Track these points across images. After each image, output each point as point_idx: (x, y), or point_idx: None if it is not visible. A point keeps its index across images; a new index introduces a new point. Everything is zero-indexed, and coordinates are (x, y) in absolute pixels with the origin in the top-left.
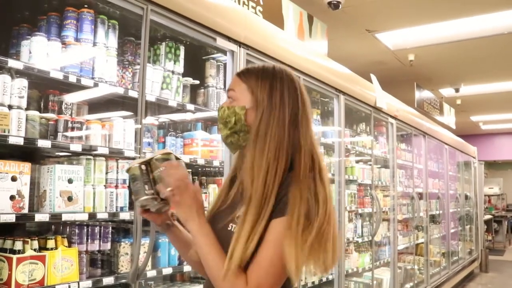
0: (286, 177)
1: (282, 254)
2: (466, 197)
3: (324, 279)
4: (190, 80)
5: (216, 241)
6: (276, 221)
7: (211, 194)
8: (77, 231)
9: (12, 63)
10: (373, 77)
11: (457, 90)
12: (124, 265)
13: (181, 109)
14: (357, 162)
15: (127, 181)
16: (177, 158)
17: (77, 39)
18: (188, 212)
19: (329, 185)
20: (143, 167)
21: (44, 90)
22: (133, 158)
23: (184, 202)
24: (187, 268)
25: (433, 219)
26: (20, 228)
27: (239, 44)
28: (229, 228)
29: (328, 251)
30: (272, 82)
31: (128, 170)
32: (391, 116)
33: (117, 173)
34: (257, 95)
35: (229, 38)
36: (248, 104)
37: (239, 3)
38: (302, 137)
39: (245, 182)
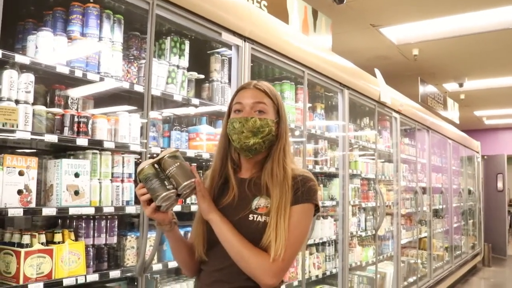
0: None
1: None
2: (469, 191)
3: (328, 273)
4: (195, 75)
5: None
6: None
7: None
8: (83, 225)
9: (18, 58)
10: (377, 71)
11: (461, 85)
12: (130, 259)
13: (186, 103)
14: (361, 156)
15: (133, 175)
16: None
17: (83, 34)
18: (211, 205)
19: None
20: (156, 166)
21: (50, 85)
22: (139, 153)
23: (207, 195)
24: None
25: (436, 213)
26: (28, 222)
27: (244, 38)
28: (250, 219)
29: None
30: (280, 98)
31: (141, 171)
32: (395, 111)
33: (123, 167)
34: (280, 112)
35: (234, 33)
36: (274, 118)
37: None
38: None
39: (273, 181)
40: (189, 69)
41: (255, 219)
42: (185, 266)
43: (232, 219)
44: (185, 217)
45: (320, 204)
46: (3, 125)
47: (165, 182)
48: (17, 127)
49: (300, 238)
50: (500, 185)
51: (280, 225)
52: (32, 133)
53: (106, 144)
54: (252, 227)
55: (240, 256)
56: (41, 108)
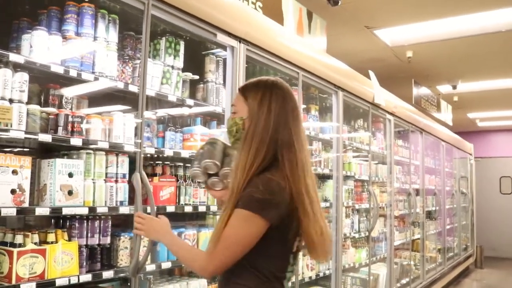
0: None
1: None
2: (462, 193)
3: (321, 274)
4: (189, 75)
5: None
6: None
7: None
8: (77, 225)
9: (13, 57)
10: (371, 73)
11: (454, 87)
12: (124, 259)
13: (180, 104)
14: (355, 158)
15: (127, 176)
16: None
17: (77, 34)
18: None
19: (305, 179)
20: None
21: (45, 84)
22: (133, 153)
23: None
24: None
25: (429, 215)
26: (21, 221)
27: (239, 39)
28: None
29: None
30: (263, 93)
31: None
32: (388, 113)
33: (117, 167)
34: (250, 106)
35: (229, 34)
36: (245, 115)
37: None
38: (293, 139)
39: (231, 176)
40: (184, 70)
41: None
42: None
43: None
44: (178, 217)
45: (268, 215)
46: None
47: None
48: (11, 126)
49: (229, 240)
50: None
51: (219, 223)
52: (26, 132)
53: (100, 144)
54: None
55: (182, 259)
56: (35, 108)
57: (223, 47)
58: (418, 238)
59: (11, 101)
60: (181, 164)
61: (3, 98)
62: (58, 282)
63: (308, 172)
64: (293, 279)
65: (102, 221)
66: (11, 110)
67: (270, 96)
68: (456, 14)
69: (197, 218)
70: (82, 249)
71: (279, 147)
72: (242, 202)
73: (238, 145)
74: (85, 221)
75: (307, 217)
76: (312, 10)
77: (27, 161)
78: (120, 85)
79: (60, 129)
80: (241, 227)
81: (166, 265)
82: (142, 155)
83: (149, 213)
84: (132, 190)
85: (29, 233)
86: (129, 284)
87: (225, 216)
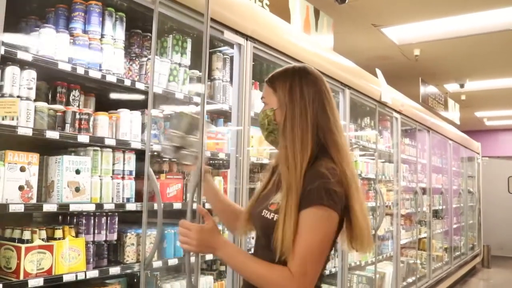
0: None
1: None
2: (469, 192)
3: (327, 272)
4: (196, 73)
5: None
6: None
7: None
8: (84, 221)
9: (21, 54)
10: (378, 71)
11: (462, 86)
12: (130, 256)
13: (187, 101)
14: (361, 156)
15: (133, 173)
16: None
17: (85, 31)
18: (219, 239)
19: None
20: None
21: (52, 81)
22: (140, 150)
23: (215, 227)
24: (193, 259)
25: (436, 214)
26: (28, 218)
27: (246, 37)
28: (262, 214)
29: None
30: (291, 81)
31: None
32: (395, 111)
33: (124, 164)
34: (279, 95)
35: (236, 32)
36: (275, 106)
37: None
38: (332, 123)
39: (282, 173)
40: (191, 67)
41: (265, 215)
42: (222, 216)
43: (254, 212)
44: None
45: (339, 209)
46: (3, 119)
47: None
48: (17, 119)
49: (313, 247)
50: None
51: (286, 227)
52: (34, 129)
53: (107, 141)
54: (263, 222)
55: (255, 280)
56: (42, 105)
57: (230, 45)
58: (425, 237)
59: (19, 98)
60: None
61: (11, 95)
62: (66, 278)
63: (351, 156)
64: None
65: (109, 218)
66: (16, 103)
67: (300, 82)
68: (464, 12)
69: None
70: (89, 245)
71: (322, 133)
72: (316, 198)
73: (273, 137)
74: (92, 218)
75: (359, 204)
76: (319, 8)
77: (35, 158)
78: (127, 83)
79: (67, 126)
80: (323, 228)
81: (173, 261)
82: (149, 153)
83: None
84: (138, 187)
85: (37, 229)
86: (135, 280)
87: (290, 221)
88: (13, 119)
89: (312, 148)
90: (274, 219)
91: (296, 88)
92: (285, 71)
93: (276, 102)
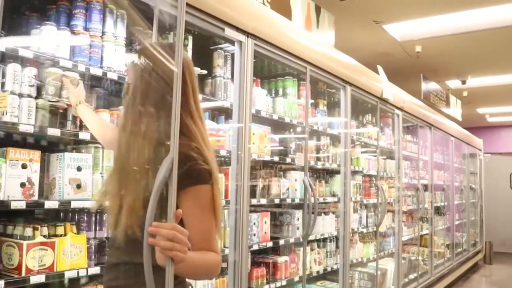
0: None
1: None
2: (471, 189)
3: (329, 269)
4: (198, 70)
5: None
6: None
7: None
8: (85, 218)
9: (22, 51)
10: (379, 68)
11: (463, 82)
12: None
13: None
14: (363, 153)
15: None
16: None
17: (86, 29)
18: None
19: None
20: None
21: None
22: None
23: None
24: None
25: (437, 210)
26: (30, 215)
27: (247, 34)
28: None
29: None
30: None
31: None
32: (397, 108)
33: None
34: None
35: (237, 29)
36: (131, 80)
37: None
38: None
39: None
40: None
41: None
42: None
43: None
44: None
45: None
46: None
47: None
48: (5, 114)
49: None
50: None
51: None
52: (35, 126)
53: None
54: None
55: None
56: (44, 102)
57: (231, 42)
58: (427, 234)
59: (20, 95)
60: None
61: (12, 93)
62: (67, 275)
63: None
64: (301, 273)
65: None
66: (6, 97)
67: None
68: (465, 8)
69: None
70: (90, 242)
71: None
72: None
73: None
74: (94, 215)
75: None
76: (320, 5)
77: (36, 155)
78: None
79: (69, 123)
80: (208, 204)
81: None
82: None
83: None
84: None
85: (38, 226)
86: None
87: None
88: (3, 114)
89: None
90: None
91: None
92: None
93: (132, 77)
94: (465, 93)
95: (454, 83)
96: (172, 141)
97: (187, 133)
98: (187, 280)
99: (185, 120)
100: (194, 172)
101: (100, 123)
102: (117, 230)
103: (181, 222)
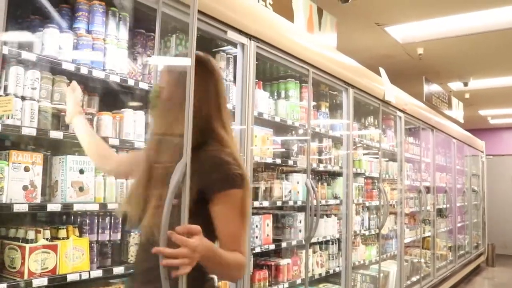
0: None
1: None
2: (474, 191)
3: (331, 271)
4: None
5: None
6: None
7: None
8: (88, 221)
9: (25, 54)
10: (382, 70)
11: (465, 84)
12: (134, 255)
13: None
14: (365, 155)
15: None
16: None
17: (88, 31)
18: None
19: None
20: None
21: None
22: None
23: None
24: None
25: (440, 212)
26: (32, 217)
27: (250, 37)
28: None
29: None
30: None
31: None
32: (399, 110)
33: None
34: (171, 75)
35: (239, 31)
36: (164, 84)
37: None
38: (216, 110)
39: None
40: None
41: None
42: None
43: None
44: None
45: None
46: (0, 118)
47: None
48: (12, 117)
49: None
50: None
51: None
52: (38, 129)
53: (111, 141)
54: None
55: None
56: (46, 105)
57: (234, 44)
58: (429, 236)
59: (23, 98)
60: None
61: (15, 95)
62: (70, 278)
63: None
64: (303, 275)
65: (112, 217)
66: (11, 100)
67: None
68: (467, 10)
69: None
70: (93, 245)
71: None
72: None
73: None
74: (96, 217)
75: None
76: (322, 7)
77: (38, 157)
78: (131, 82)
79: (71, 126)
80: (240, 208)
81: None
82: None
83: None
84: None
85: (41, 229)
86: None
87: None
88: (8, 118)
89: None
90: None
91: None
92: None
93: (166, 81)
94: (467, 95)
95: (456, 85)
96: (185, 146)
97: (220, 140)
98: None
99: (218, 129)
100: (230, 177)
101: (100, 149)
102: (143, 234)
103: (208, 222)
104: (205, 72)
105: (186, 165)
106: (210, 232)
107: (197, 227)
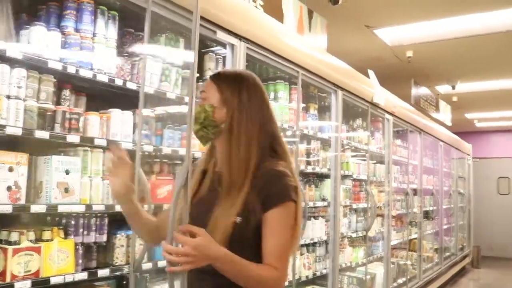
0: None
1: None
2: (460, 193)
3: (318, 273)
4: (189, 73)
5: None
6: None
7: None
8: (73, 222)
9: (10, 52)
10: (371, 73)
11: (453, 87)
12: (120, 257)
13: (179, 101)
14: (353, 157)
15: None
16: None
17: (76, 30)
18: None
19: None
20: None
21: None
22: (131, 150)
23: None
24: None
25: (426, 215)
26: (16, 219)
27: (240, 37)
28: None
29: None
30: (241, 85)
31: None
32: (388, 112)
33: None
34: (226, 95)
35: (229, 32)
36: (216, 103)
37: None
38: (275, 129)
39: (224, 173)
40: (183, 68)
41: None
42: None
43: (199, 211)
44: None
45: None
46: None
47: None
48: None
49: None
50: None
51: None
52: (23, 129)
53: (97, 142)
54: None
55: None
56: (32, 104)
57: (223, 45)
58: (415, 238)
59: (8, 97)
60: (179, 162)
61: (0, 94)
62: (53, 280)
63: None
64: (290, 277)
65: (98, 219)
66: (1, 100)
67: (249, 89)
68: (456, 14)
69: None
70: (78, 247)
71: (269, 138)
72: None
73: (204, 133)
74: (82, 219)
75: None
76: (312, 9)
77: (23, 158)
78: (119, 82)
79: (57, 126)
80: (291, 221)
81: (163, 263)
82: (140, 153)
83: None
84: None
85: (25, 231)
86: (125, 282)
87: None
88: None
89: (258, 151)
90: (237, 221)
91: (245, 94)
92: (235, 74)
93: (218, 101)
94: (454, 98)
95: (444, 88)
96: (186, 150)
97: (277, 154)
98: None
99: (274, 143)
100: (286, 189)
101: (150, 227)
102: None
103: (250, 227)
104: (260, 91)
105: (187, 169)
106: None
107: (198, 228)
